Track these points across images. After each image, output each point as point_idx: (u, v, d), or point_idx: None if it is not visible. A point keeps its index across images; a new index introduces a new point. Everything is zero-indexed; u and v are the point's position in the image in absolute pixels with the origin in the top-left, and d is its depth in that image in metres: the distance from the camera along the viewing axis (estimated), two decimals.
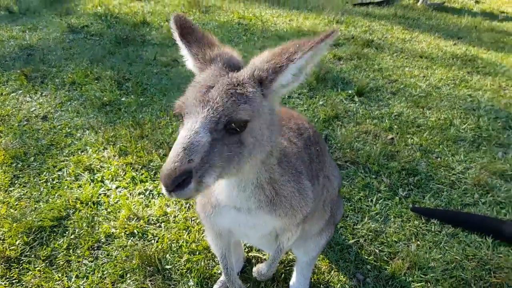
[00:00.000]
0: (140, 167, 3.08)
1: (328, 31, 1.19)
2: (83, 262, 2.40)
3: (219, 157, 1.14)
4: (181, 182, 1.08)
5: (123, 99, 3.90)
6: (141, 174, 3.02)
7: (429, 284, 2.33)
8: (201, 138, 1.11)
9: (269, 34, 5.43)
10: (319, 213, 1.90)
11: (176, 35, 1.37)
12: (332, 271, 2.39)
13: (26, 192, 2.87)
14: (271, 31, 5.56)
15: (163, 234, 2.56)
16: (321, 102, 3.94)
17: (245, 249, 2.47)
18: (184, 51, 1.38)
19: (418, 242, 2.57)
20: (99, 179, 2.99)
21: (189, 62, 1.38)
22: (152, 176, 3.01)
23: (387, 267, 2.40)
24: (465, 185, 3.01)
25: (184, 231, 2.58)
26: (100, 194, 2.86)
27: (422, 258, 2.45)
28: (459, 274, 2.37)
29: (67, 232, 2.58)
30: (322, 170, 1.83)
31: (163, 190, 1.11)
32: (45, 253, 2.44)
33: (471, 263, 2.43)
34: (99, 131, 3.43)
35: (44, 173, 3.03)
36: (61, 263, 2.39)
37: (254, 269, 1.90)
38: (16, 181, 2.96)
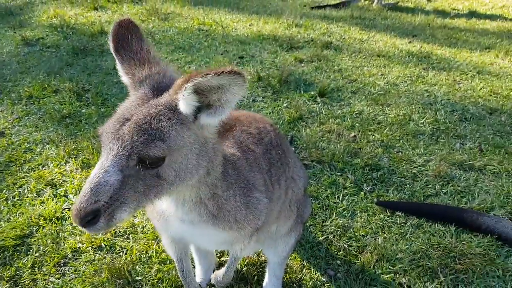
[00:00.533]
0: None
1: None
2: (50, 279, 2.33)
3: (134, 192, 1.14)
4: (90, 220, 1.09)
5: (83, 110, 3.82)
6: None
7: (397, 275, 2.39)
8: (109, 177, 1.10)
9: (230, 39, 5.46)
10: (286, 214, 1.93)
11: (111, 48, 1.30)
12: (304, 269, 2.42)
13: None
14: (232, 36, 5.58)
15: (132, 246, 2.52)
16: (285, 104, 3.98)
17: (217, 254, 2.46)
18: (118, 66, 1.32)
19: (385, 235, 2.64)
20: (62, 193, 2.91)
21: (124, 79, 1.32)
22: None
23: (356, 261, 2.45)
24: (427, 177, 3.11)
25: (153, 241, 2.55)
26: (64, 209, 2.78)
27: (390, 250, 2.51)
28: (425, 263, 2.45)
29: (31, 250, 2.49)
30: (285, 173, 1.84)
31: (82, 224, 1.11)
32: (9, 273, 2.35)
33: (437, 252, 2.51)
34: (60, 144, 3.35)
35: (4, 191, 2.92)
36: (27, 282, 2.31)
37: (212, 275, 1.92)
38: None
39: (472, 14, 7.13)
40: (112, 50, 1.31)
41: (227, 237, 1.56)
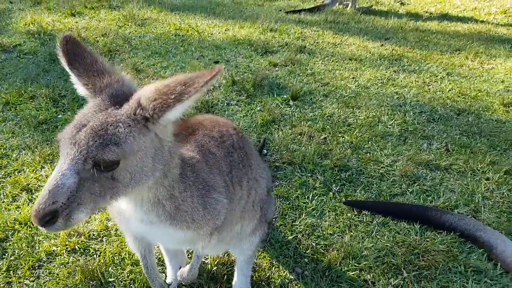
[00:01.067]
0: None
1: (213, 70, 1.22)
2: (25, 282, 2.37)
3: (90, 194, 1.19)
4: (48, 220, 1.15)
5: (59, 116, 3.85)
6: None
7: (362, 272, 2.48)
8: (66, 180, 1.16)
9: (206, 44, 5.53)
10: (250, 214, 2.00)
11: (63, 62, 1.37)
12: (273, 268, 2.50)
13: None
14: (208, 41, 5.66)
15: (105, 248, 2.57)
16: (258, 108, 4.07)
17: (188, 255, 2.53)
18: (73, 79, 1.38)
19: (352, 233, 2.73)
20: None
21: (81, 90, 1.38)
22: None
23: (323, 259, 2.54)
24: (393, 176, 3.22)
25: (126, 243, 2.60)
26: None
27: (356, 248, 2.60)
28: (390, 260, 2.54)
29: (6, 254, 2.53)
30: (247, 174, 1.92)
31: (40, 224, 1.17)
32: None
33: (401, 249, 2.61)
34: (36, 150, 3.38)
35: None
36: (2, 285, 2.35)
37: (178, 272, 1.96)
38: None
39: (444, 16, 7.31)
40: (65, 65, 1.37)
41: (186, 236, 1.63)
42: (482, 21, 7.14)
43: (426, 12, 7.51)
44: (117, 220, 1.71)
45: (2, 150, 3.42)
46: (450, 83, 4.72)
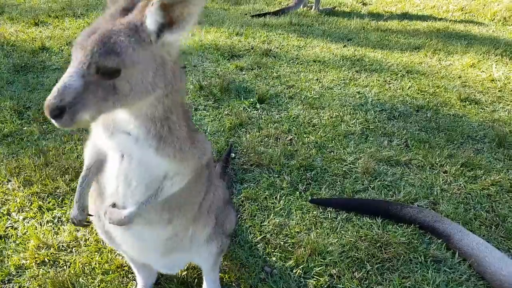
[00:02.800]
0: (47, 195, 3.08)
1: None
2: None
3: (94, 97, 1.27)
4: (57, 115, 1.24)
5: (24, 128, 3.83)
6: (48, 202, 3.02)
7: (328, 267, 2.58)
8: (73, 81, 1.24)
9: None
10: (203, 220, 2.00)
11: None
12: (243, 268, 2.57)
13: None
14: None
15: (75, 259, 2.60)
16: (226, 112, 4.15)
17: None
18: None
19: (317, 230, 2.84)
20: (5, 212, 2.94)
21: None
22: (59, 202, 3.02)
23: (291, 256, 2.64)
24: (356, 173, 3.35)
25: (96, 253, 2.64)
26: (7, 228, 2.82)
27: (321, 244, 2.71)
28: (354, 254, 2.66)
29: None
30: (208, 176, 1.97)
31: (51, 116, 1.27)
32: None
33: (364, 243, 2.73)
34: (1, 163, 3.36)
35: None
36: None
37: (109, 209, 1.73)
38: None
39: (404, 15, 7.55)
40: None
41: (166, 167, 1.61)
42: (440, 19, 7.42)
43: (387, 12, 7.71)
44: (96, 135, 1.65)
45: None
46: (409, 81, 4.91)
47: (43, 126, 3.86)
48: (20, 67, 4.96)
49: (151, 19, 1.30)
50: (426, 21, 7.20)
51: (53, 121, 1.27)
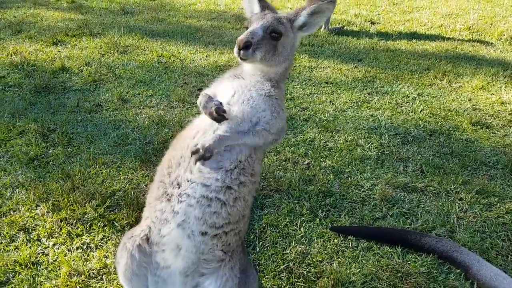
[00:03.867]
0: (75, 221, 3.17)
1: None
2: None
3: (264, 45, 2.03)
4: (245, 47, 2.00)
5: (50, 151, 3.94)
6: (77, 228, 3.11)
7: None
8: (258, 31, 2.03)
9: (189, 71, 5.69)
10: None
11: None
12: None
13: None
14: (190, 67, 5.82)
15: (106, 287, 2.69)
16: None
17: None
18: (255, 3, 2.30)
19: (339, 259, 2.92)
20: (35, 238, 3.04)
21: (255, 8, 2.30)
22: (88, 228, 3.11)
23: (315, 287, 2.72)
24: (374, 200, 3.44)
25: None
26: (38, 254, 2.91)
27: (344, 274, 2.79)
28: (376, 285, 2.74)
29: None
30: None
31: (235, 51, 2.06)
32: None
33: (385, 273, 2.81)
34: (29, 188, 3.46)
35: None
36: None
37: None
38: None
39: (412, 35, 7.66)
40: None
41: (263, 111, 2.10)
42: (448, 38, 7.52)
43: (396, 31, 7.82)
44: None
45: None
46: (421, 103, 5.01)
47: (68, 149, 3.96)
48: (42, 87, 5.08)
49: (301, 18, 2.18)
50: (434, 41, 7.31)
51: (240, 52, 2.02)
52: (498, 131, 4.48)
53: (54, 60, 5.93)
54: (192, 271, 2.04)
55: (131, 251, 2.08)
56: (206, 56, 6.25)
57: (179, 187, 1.98)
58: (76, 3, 9.00)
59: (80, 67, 5.75)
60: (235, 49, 2.04)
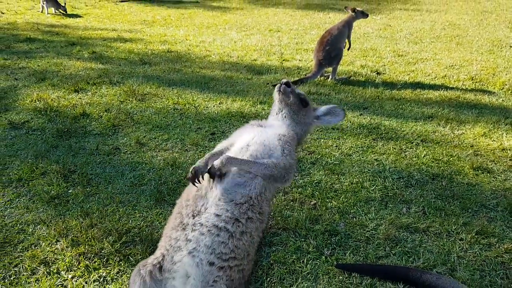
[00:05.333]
0: (93, 255, 3.36)
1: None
2: None
3: (295, 98, 2.86)
4: (285, 88, 2.80)
5: (70, 191, 4.19)
6: (94, 262, 3.30)
7: None
8: (296, 89, 2.93)
9: (202, 117, 6.02)
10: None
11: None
12: None
13: None
14: (204, 114, 6.15)
15: None
16: None
17: None
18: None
19: None
20: (55, 271, 3.23)
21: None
22: (104, 262, 3.30)
23: None
24: (378, 240, 3.59)
25: None
26: (57, 286, 3.09)
27: None
28: None
29: None
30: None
31: (277, 86, 2.88)
32: None
33: None
34: (50, 224, 3.69)
35: (1, 270, 3.22)
36: None
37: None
38: None
39: (417, 84, 7.95)
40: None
41: (274, 144, 2.60)
42: (451, 88, 7.80)
43: (400, 81, 8.13)
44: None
45: (18, 225, 3.71)
46: (424, 149, 5.22)
47: (87, 189, 4.21)
48: (63, 132, 5.41)
49: (320, 109, 2.98)
50: (438, 90, 7.58)
51: (282, 86, 2.80)
52: (498, 176, 4.65)
53: (76, 106, 6.31)
54: None
55: (144, 276, 2.27)
56: (219, 103, 6.60)
57: (193, 217, 2.21)
58: (97, 53, 9.53)
59: (100, 113, 6.12)
60: (277, 86, 2.76)
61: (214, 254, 2.17)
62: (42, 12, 15.46)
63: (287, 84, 2.76)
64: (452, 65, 9.12)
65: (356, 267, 3.30)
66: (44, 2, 15.15)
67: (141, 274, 2.30)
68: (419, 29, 12.26)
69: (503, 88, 7.79)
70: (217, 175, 2.26)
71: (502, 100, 7.20)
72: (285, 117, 2.85)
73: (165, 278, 2.28)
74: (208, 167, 2.35)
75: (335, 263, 3.33)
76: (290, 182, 2.71)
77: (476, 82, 8.20)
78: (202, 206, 2.26)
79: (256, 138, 2.52)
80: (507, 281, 3.17)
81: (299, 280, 3.18)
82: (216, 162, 2.28)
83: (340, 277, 3.21)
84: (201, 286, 2.18)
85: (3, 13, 15.10)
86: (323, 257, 3.39)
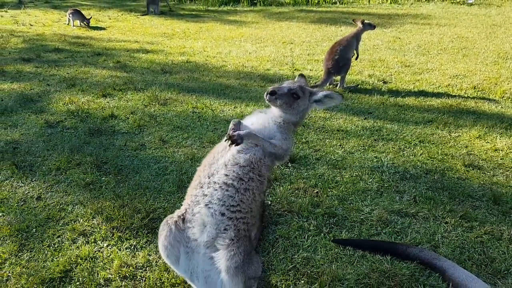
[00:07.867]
0: (124, 228, 3.92)
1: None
2: None
3: (285, 98, 3.03)
4: (271, 94, 3.02)
5: (103, 178, 4.78)
6: (126, 234, 3.86)
7: None
8: (284, 88, 3.04)
9: (218, 119, 6.60)
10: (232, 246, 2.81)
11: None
12: None
13: (34, 255, 3.61)
14: (220, 117, 6.73)
15: (149, 275, 3.38)
16: None
17: None
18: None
19: (338, 263, 3.54)
20: (92, 240, 3.80)
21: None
22: (134, 234, 3.86)
23: (316, 281, 3.34)
24: (371, 221, 4.07)
25: (165, 271, 3.42)
26: (95, 251, 3.66)
27: (341, 274, 3.39)
28: (366, 281, 3.33)
29: (73, 280, 3.34)
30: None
31: (265, 94, 3.09)
32: None
33: (375, 274, 3.40)
34: (87, 204, 4.27)
35: (46, 240, 3.80)
36: None
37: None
38: (23, 248, 3.70)
39: (421, 92, 8.36)
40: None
41: (274, 134, 3.07)
42: (454, 96, 8.19)
43: (405, 89, 8.58)
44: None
45: (59, 205, 4.30)
46: (421, 149, 5.68)
47: (118, 177, 4.80)
48: (94, 130, 6.05)
49: (318, 96, 3.12)
50: (441, 98, 7.99)
51: (267, 95, 3.00)
52: (488, 172, 5.08)
53: (104, 109, 6.97)
54: (211, 245, 2.78)
55: (170, 225, 2.84)
56: (234, 108, 7.17)
57: (209, 178, 2.79)
58: (121, 63, 10.22)
59: (126, 115, 6.75)
60: (265, 93, 3.00)
61: (224, 206, 2.72)
62: (68, 24, 16.37)
63: (271, 93, 2.99)
64: (456, 75, 9.53)
65: (350, 242, 3.79)
66: (70, 15, 16.05)
67: (168, 223, 2.86)
68: (428, 42, 12.71)
69: (503, 96, 8.17)
70: (237, 143, 2.84)
71: (501, 107, 7.58)
72: (280, 113, 3.16)
73: (187, 228, 2.83)
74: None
75: (332, 238, 3.83)
76: (286, 160, 3.33)
77: (478, 90, 8.58)
78: (215, 169, 2.84)
79: (259, 120, 3.08)
80: (484, 256, 3.62)
81: (300, 251, 3.68)
82: (242, 133, 2.87)
83: (336, 250, 3.70)
84: (215, 232, 2.72)
85: (31, 25, 16.05)
86: (322, 234, 3.89)
